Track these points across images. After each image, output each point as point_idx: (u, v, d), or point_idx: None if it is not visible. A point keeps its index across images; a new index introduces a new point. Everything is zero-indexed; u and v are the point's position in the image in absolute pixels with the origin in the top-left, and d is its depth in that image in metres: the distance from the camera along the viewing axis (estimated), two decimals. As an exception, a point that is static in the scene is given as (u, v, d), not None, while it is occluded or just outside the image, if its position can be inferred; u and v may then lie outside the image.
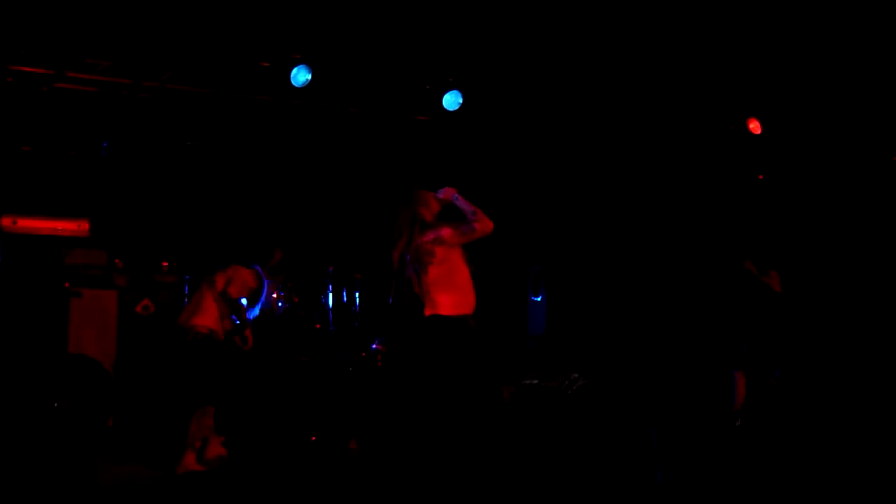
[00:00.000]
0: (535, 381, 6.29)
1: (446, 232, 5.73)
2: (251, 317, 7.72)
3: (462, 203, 5.81)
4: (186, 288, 8.55)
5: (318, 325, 9.24)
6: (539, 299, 9.72)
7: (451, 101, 8.57)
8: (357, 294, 9.46)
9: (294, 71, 7.81)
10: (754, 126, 8.80)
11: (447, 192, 5.86)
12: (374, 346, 9.07)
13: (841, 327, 8.36)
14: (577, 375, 6.33)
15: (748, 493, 5.51)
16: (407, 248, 5.80)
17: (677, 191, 9.70)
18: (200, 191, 9.19)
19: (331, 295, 9.43)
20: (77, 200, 8.36)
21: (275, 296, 8.88)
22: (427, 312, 5.81)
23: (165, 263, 8.65)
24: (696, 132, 9.29)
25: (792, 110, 8.84)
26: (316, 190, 9.73)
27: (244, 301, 7.67)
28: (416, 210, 5.83)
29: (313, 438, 6.53)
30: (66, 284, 7.76)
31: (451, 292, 5.75)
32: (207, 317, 7.32)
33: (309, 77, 7.84)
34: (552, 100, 8.93)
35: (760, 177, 9.63)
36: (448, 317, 5.70)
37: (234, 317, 7.63)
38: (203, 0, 6.99)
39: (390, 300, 6.10)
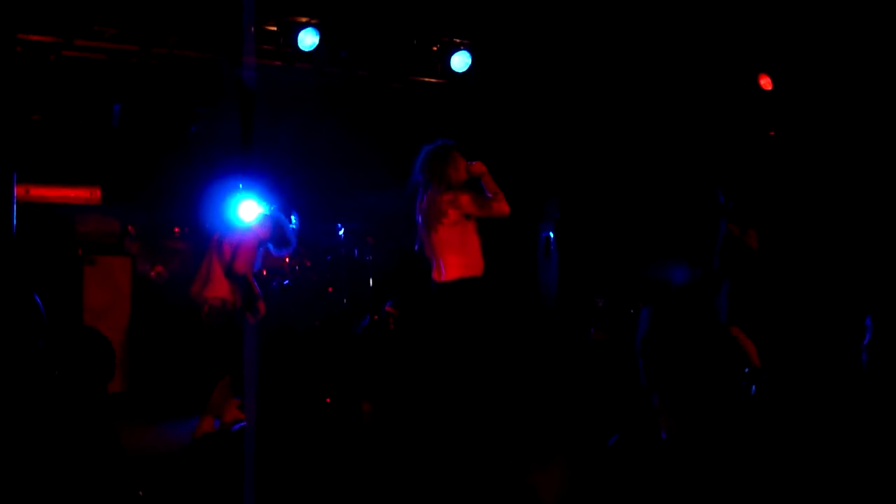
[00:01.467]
0: None
1: (465, 198, 5.77)
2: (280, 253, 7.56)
3: (488, 181, 5.86)
4: (198, 254, 8.58)
5: (329, 289, 9.28)
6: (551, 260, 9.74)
7: (460, 62, 8.55)
8: (369, 257, 9.48)
9: (301, 34, 7.80)
10: (765, 82, 8.74)
11: (478, 167, 5.89)
12: (385, 308, 9.11)
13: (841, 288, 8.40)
14: None
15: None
16: (430, 201, 5.83)
17: (688, 147, 9.68)
18: (211, 156, 9.19)
19: (343, 258, 9.47)
20: (88, 168, 8.38)
21: (287, 259, 8.91)
22: (434, 274, 5.85)
23: (177, 230, 8.67)
24: (707, 88, 9.23)
25: (805, 66, 8.77)
26: (327, 153, 9.72)
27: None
28: (446, 168, 5.85)
29: (328, 401, 6.59)
30: (80, 252, 7.79)
31: (459, 254, 5.79)
32: (219, 288, 7.31)
33: (317, 40, 7.83)
34: (561, 58, 8.89)
35: (772, 133, 9.59)
36: (458, 280, 5.74)
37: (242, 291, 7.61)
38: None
39: (416, 247, 6.11)
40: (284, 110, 9.27)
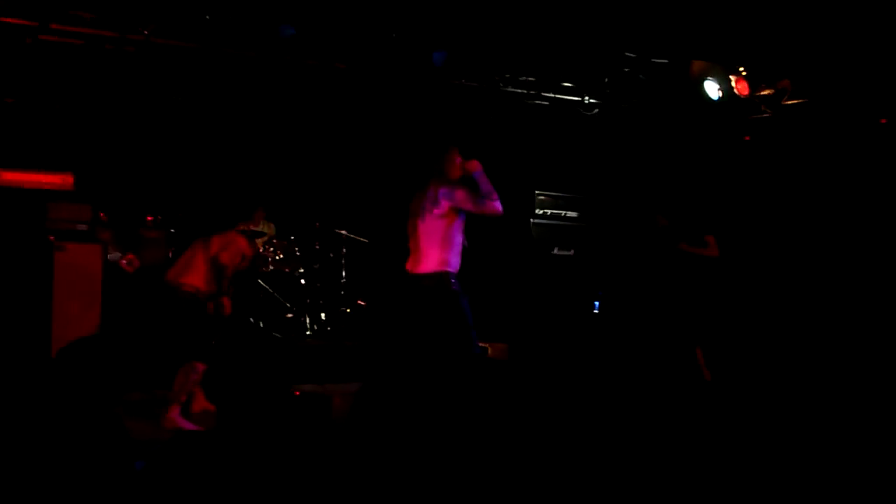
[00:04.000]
0: None
1: (460, 193, 5.87)
2: None
3: (482, 179, 5.93)
4: (171, 243, 8.54)
5: (302, 281, 9.27)
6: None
7: (440, 58, 8.53)
8: (342, 250, 9.48)
9: (281, 25, 7.78)
10: (741, 87, 8.77)
11: (473, 165, 5.98)
12: (357, 301, 9.11)
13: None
14: None
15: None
16: (425, 192, 5.92)
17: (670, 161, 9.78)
18: (186, 145, 9.15)
19: (316, 251, 9.46)
20: (61, 154, 8.31)
21: (261, 250, 8.88)
22: (408, 265, 5.90)
23: (150, 218, 8.63)
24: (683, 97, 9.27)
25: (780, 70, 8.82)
26: (302, 146, 9.71)
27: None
28: (442, 164, 6.00)
29: (297, 394, 6.57)
30: (51, 238, 7.72)
31: (440, 248, 5.84)
32: (195, 276, 7.27)
33: (294, 31, 7.81)
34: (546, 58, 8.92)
35: (747, 138, 9.65)
36: (431, 273, 5.78)
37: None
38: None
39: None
40: (262, 101, 9.24)
